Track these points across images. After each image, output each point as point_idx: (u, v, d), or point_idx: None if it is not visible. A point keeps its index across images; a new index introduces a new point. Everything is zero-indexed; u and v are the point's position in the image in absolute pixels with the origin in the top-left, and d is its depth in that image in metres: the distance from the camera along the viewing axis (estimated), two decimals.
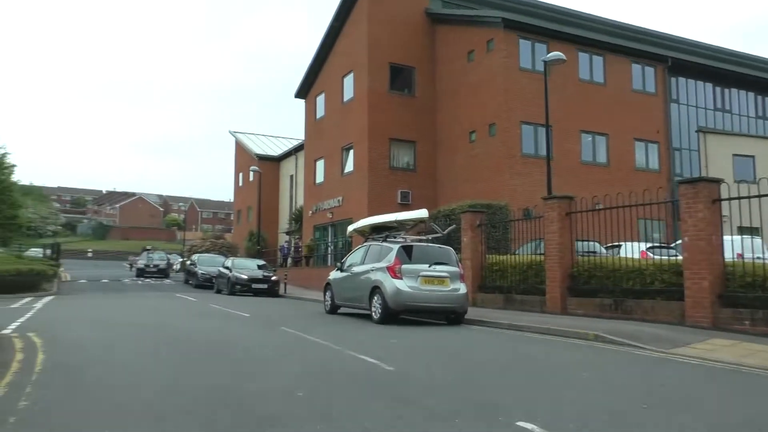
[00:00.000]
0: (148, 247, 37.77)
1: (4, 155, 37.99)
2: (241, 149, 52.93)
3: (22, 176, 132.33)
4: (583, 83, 25.46)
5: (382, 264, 11.88)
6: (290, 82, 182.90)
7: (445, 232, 12.90)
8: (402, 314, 11.95)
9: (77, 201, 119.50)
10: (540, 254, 14.45)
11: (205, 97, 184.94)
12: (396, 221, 12.26)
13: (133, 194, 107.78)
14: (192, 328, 10.65)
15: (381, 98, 27.09)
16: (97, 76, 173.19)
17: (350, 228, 15.64)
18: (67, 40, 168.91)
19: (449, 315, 12.08)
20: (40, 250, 58.38)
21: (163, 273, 36.08)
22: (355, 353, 7.46)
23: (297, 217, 37.68)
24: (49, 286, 22.96)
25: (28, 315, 12.70)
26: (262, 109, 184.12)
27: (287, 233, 43.59)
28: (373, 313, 11.87)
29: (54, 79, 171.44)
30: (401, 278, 11.44)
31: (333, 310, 14.13)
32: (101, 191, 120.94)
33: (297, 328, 10.58)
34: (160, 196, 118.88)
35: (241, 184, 52.84)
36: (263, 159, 48.14)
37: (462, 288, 11.91)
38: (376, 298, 11.78)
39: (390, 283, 11.44)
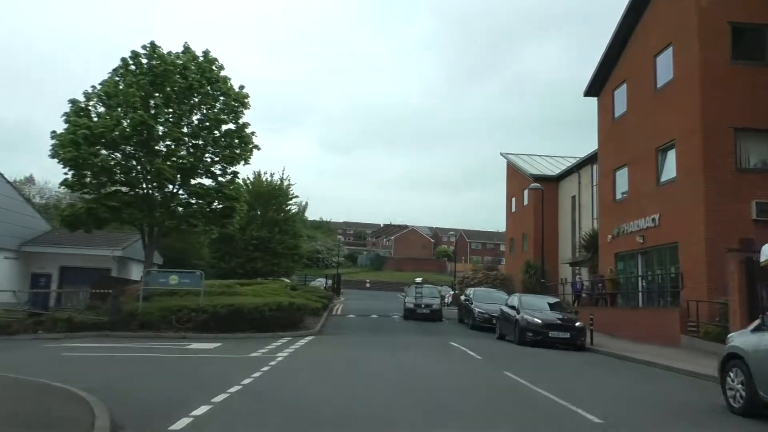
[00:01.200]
0: (419, 280, 31.84)
1: (288, 186, 38.48)
2: (513, 172, 47.54)
3: (314, 213, 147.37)
4: None
5: None
6: (560, 108, 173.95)
7: None
8: None
9: (358, 234, 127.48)
10: None
11: (471, 131, 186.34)
12: None
13: (406, 227, 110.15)
14: None
15: (720, 72, 18.86)
16: (377, 124, 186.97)
17: None
18: (351, 89, 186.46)
19: None
20: (323, 280, 60.47)
21: (436, 315, 26.36)
22: None
23: (586, 245, 30.37)
24: (314, 323, 19.85)
25: (245, 381, 8.42)
26: (530, 138, 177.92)
27: (571, 264, 36.42)
28: None
29: (343, 128, 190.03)
30: None
31: (751, 408, 7.11)
32: (379, 225, 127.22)
33: None
34: (430, 228, 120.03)
35: (513, 209, 47.27)
36: (539, 179, 41.88)
37: None
38: None
39: None
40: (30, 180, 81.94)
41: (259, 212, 37.71)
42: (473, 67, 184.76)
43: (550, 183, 42.05)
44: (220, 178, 19.42)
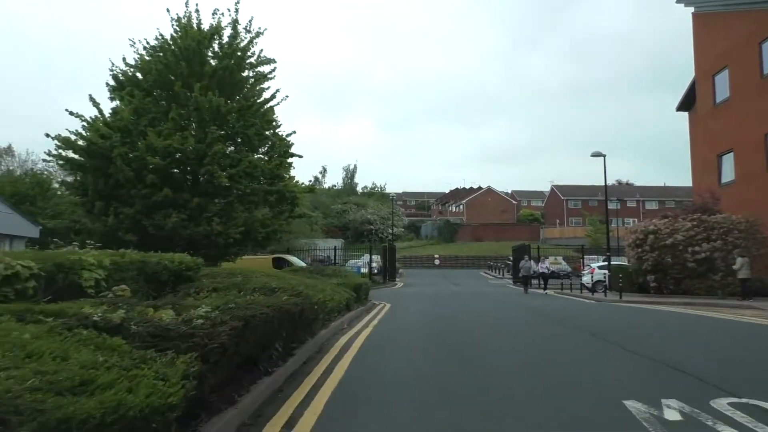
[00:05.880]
0: None
1: (251, 41, 15.97)
2: (714, 28, 23.33)
3: (366, 181, 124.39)
4: None
5: None
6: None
7: None
8: None
9: (421, 205, 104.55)
10: None
11: (535, 101, 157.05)
12: None
13: (480, 188, 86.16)
14: None
15: None
16: (436, 100, 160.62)
17: None
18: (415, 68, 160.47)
19: None
20: (366, 258, 38.12)
21: None
22: None
23: None
24: None
25: None
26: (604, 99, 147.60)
27: None
28: None
29: (404, 104, 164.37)
30: None
31: None
32: (444, 192, 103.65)
33: None
34: (506, 193, 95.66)
35: (720, 98, 23.07)
36: None
37: None
38: None
39: None
40: (8, 151, 63.88)
41: (168, 97, 15.35)
42: (530, 30, 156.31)
43: None
44: None
